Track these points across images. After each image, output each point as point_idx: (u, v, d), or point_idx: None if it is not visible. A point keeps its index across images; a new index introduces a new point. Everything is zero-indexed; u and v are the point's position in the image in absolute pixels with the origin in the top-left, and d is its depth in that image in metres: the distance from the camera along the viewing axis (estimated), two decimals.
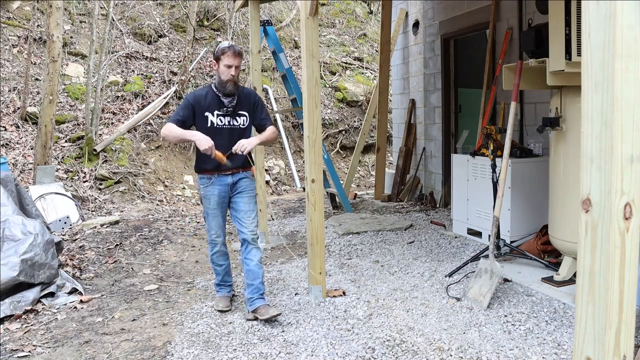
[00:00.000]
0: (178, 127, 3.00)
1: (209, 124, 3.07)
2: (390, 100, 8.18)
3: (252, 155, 3.25)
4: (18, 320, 3.25)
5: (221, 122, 3.09)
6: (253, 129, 3.32)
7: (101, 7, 9.24)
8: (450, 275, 3.76)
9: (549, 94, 4.20)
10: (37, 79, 8.26)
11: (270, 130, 3.20)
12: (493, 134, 4.05)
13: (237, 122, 3.14)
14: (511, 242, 4.14)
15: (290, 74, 6.19)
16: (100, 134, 7.91)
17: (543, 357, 2.51)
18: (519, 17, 4.87)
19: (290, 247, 4.82)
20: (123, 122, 8.19)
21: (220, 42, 10.21)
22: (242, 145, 2.99)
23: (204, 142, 2.94)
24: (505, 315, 3.02)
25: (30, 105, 7.88)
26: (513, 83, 3.58)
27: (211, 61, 3.09)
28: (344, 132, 9.79)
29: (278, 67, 6.52)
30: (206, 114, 3.08)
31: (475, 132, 5.54)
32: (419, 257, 4.32)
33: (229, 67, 3.03)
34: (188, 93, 3.02)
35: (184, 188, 7.81)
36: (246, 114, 3.17)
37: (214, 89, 3.12)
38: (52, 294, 3.56)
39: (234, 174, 3.16)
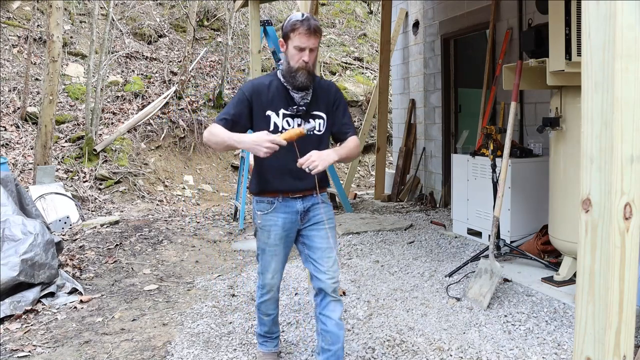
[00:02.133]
0: (225, 129, 2.14)
1: (272, 128, 2.17)
2: (390, 100, 8.18)
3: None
4: (18, 320, 3.25)
5: (289, 125, 2.18)
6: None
7: (101, 7, 9.24)
8: (450, 275, 3.76)
9: (549, 94, 4.20)
10: (37, 79, 8.26)
11: (353, 141, 2.26)
12: (493, 134, 4.05)
13: (319, 128, 2.24)
14: (511, 242, 4.14)
15: None
16: (100, 134, 7.91)
17: (543, 357, 2.51)
18: (519, 17, 4.87)
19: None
20: (123, 122, 8.19)
21: (220, 41, 10.23)
22: (313, 162, 2.00)
23: (248, 143, 2.03)
24: (505, 315, 3.02)
25: (30, 105, 7.88)
26: (513, 83, 3.58)
27: (279, 41, 2.22)
28: None
29: (278, 67, 6.51)
30: (268, 112, 2.18)
31: (475, 132, 5.54)
32: (419, 257, 4.32)
33: (301, 49, 2.10)
34: (248, 82, 2.33)
35: (184, 188, 7.81)
36: (323, 115, 2.24)
37: (281, 79, 2.21)
38: (52, 294, 3.56)
39: (304, 198, 2.26)
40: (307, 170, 2.02)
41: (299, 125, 2.19)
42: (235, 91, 9.61)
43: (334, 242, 2.27)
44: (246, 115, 2.20)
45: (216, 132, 2.14)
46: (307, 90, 2.20)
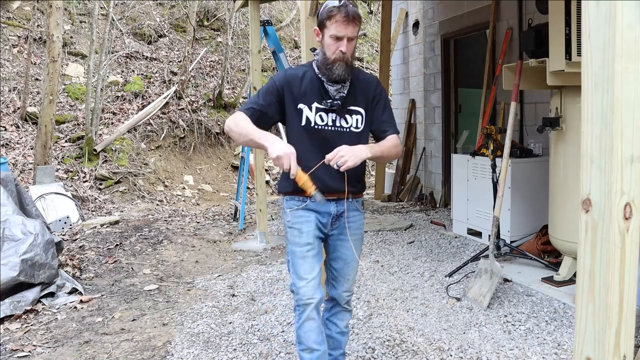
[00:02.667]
0: (250, 120, 1.93)
1: (304, 122, 1.98)
2: (391, 100, 8.19)
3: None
4: (18, 320, 3.25)
5: (322, 120, 1.98)
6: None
7: (101, 7, 9.24)
8: (450, 275, 3.76)
9: (549, 94, 4.20)
10: (37, 79, 8.26)
11: (391, 140, 2.05)
12: (493, 134, 4.05)
13: (348, 122, 2.01)
14: (511, 242, 4.15)
15: None
16: (100, 134, 7.91)
17: (543, 357, 2.51)
18: (519, 17, 4.87)
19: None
20: (123, 122, 8.19)
21: (220, 41, 10.23)
22: (342, 157, 1.82)
23: (277, 149, 1.80)
24: (505, 315, 3.02)
25: (30, 105, 7.88)
26: (513, 83, 3.58)
27: (315, 29, 2.01)
28: None
29: (278, 67, 6.51)
30: (300, 105, 1.98)
31: (475, 132, 5.54)
32: (419, 257, 4.32)
33: (338, 38, 1.92)
34: (280, 72, 2.15)
35: (184, 188, 7.82)
36: (362, 111, 2.04)
37: (316, 70, 2.02)
38: (52, 294, 3.56)
39: (339, 202, 2.03)
40: (335, 166, 1.82)
41: (332, 121, 2.00)
42: (236, 92, 9.62)
43: (358, 254, 2.10)
44: (275, 107, 1.99)
45: (242, 123, 1.90)
46: (343, 83, 2.00)
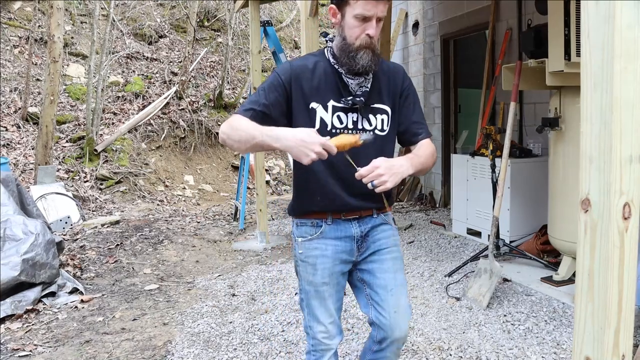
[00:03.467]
0: (251, 121, 1.54)
1: (318, 125, 1.60)
2: None
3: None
4: (19, 319, 3.25)
5: (341, 122, 1.61)
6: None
7: (102, 8, 9.25)
8: (449, 275, 3.76)
9: (548, 94, 4.20)
10: (38, 80, 8.27)
11: (428, 146, 1.69)
12: (492, 134, 4.05)
13: (371, 123, 1.64)
14: (510, 242, 4.15)
15: None
16: (101, 134, 7.92)
17: (542, 357, 2.52)
18: (519, 18, 4.87)
19: (290, 246, 4.83)
20: (124, 123, 8.20)
21: (220, 42, 10.24)
22: (380, 176, 1.44)
23: (308, 140, 1.42)
24: (505, 315, 3.02)
25: (31, 106, 7.89)
26: (512, 83, 3.58)
27: (330, 7, 1.61)
28: None
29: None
30: (313, 105, 1.60)
31: (474, 132, 5.55)
32: (419, 256, 4.32)
33: (365, 19, 1.53)
34: (285, 63, 1.70)
35: (184, 188, 7.82)
36: (388, 109, 1.66)
37: (330, 60, 1.64)
38: (53, 294, 3.57)
39: (362, 220, 1.69)
40: (370, 186, 1.45)
41: (354, 123, 1.61)
42: (236, 92, 9.62)
43: (403, 278, 1.71)
44: (281, 107, 1.59)
45: (240, 126, 1.50)
46: (366, 76, 1.61)
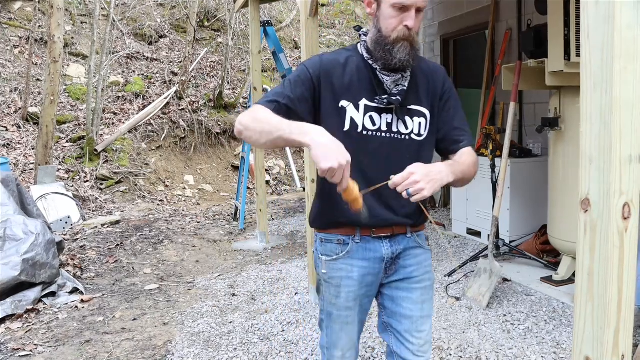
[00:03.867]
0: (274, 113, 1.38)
1: (347, 126, 1.44)
2: None
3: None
4: (19, 319, 3.26)
5: (373, 124, 1.45)
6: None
7: (102, 8, 9.26)
8: (449, 274, 3.77)
9: (548, 95, 4.21)
10: (38, 80, 8.27)
11: (470, 155, 1.52)
12: (492, 134, 4.06)
13: (408, 127, 1.47)
14: (510, 242, 4.15)
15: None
16: (101, 134, 7.92)
17: (542, 357, 2.52)
18: (518, 18, 4.87)
19: (290, 246, 4.83)
20: (124, 123, 8.20)
21: (220, 42, 10.24)
22: (416, 183, 1.29)
23: (328, 155, 1.23)
24: (505, 315, 3.02)
25: (31, 106, 7.89)
26: (512, 83, 3.59)
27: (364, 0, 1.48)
28: None
29: (278, 67, 6.52)
30: (343, 103, 1.44)
31: (474, 132, 5.55)
32: None
33: (403, 9, 1.38)
34: (313, 57, 1.53)
35: (184, 188, 7.82)
36: (426, 112, 1.50)
37: (364, 54, 1.50)
38: (53, 294, 3.57)
39: (394, 239, 1.51)
40: (405, 195, 1.28)
41: (388, 126, 1.44)
42: (236, 92, 9.62)
43: (430, 308, 1.56)
44: (308, 104, 1.43)
45: (263, 117, 1.34)
46: (404, 73, 1.45)
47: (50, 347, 2.89)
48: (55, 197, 5.75)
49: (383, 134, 1.45)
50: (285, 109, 1.40)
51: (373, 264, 1.50)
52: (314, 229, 1.59)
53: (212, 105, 9.10)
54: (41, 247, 3.58)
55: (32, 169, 6.96)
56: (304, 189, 5.56)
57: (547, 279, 3.49)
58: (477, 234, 4.68)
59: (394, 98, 1.43)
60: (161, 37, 10.16)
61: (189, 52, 9.23)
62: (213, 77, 9.75)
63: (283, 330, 2.96)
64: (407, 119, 1.47)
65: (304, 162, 7.82)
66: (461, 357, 2.56)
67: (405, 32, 1.39)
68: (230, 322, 3.12)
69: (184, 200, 7.49)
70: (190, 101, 8.94)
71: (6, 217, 3.68)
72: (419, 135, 1.48)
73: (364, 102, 1.44)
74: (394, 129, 1.46)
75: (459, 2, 5.78)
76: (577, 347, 1.12)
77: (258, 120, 1.35)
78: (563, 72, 3.20)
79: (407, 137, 1.47)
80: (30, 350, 2.84)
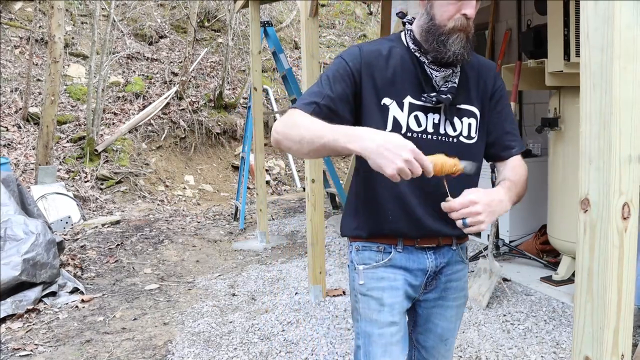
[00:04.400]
0: (314, 118, 1.21)
1: (390, 127, 1.27)
2: None
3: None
4: (20, 319, 3.26)
5: (419, 125, 1.28)
6: None
7: (102, 8, 9.26)
8: None
9: (547, 95, 4.21)
10: (38, 80, 8.27)
11: (522, 168, 1.40)
12: None
13: (457, 128, 1.31)
14: (510, 241, 4.15)
15: (290, 75, 6.19)
16: (102, 135, 7.92)
17: (542, 356, 2.52)
18: (518, 18, 4.88)
19: (290, 246, 4.83)
20: (124, 123, 8.21)
21: (220, 42, 10.25)
22: (475, 212, 1.14)
23: (395, 143, 1.09)
24: (504, 315, 3.03)
25: (32, 106, 7.89)
26: (512, 83, 3.59)
27: None
28: None
29: (278, 67, 6.53)
30: (385, 100, 1.27)
31: None
32: None
33: None
34: (350, 47, 1.34)
35: (184, 188, 7.83)
36: (477, 112, 1.34)
37: (410, 45, 1.33)
38: (53, 294, 3.58)
39: (439, 250, 1.36)
40: (459, 223, 1.15)
41: (434, 127, 1.27)
42: (236, 92, 9.62)
43: (459, 325, 1.47)
44: (349, 101, 1.26)
45: (301, 123, 1.17)
46: (454, 68, 1.28)
47: (51, 346, 2.90)
48: (56, 197, 5.76)
49: (429, 136, 1.27)
50: (327, 110, 1.22)
51: (415, 277, 1.33)
52: (347, 238, 1.41)
53: (212, 105, 9.10)
54: (42, 247, 3.58)
55: (32, 169, 6.96)
56: (304, 189, 5.57)
57: (547, 279, 3.50)
58: (477, 233, 4.69)
59: (444, 96, 1.25)
60: (161, 37, 10.16)
61: (189, 52, 9.23)
62: (213, 77, 9.75)
63: (283, 330, 2.96)
64: (456, 119, 1.30)
65: (304, 162, 7.82)
66: (461, 357, 2.56)
67: (463, 21, 1.22)
68: (231, 322, 3.13)
69: (184, 200, 7.49)
70: (190, 101, 8.95)
71: (7, 217, 3.69)
72: (468, 137, 1.31)
73: (408, 99, 1.27)
74: (441, 131, 1.28)
75: None
76: (577, 347, 1.12)
77: (296, 127, 1.17)
78: (563, 72, 3.20)
79: (456, 140, 1.30)
80: (31, 350, 2.85)
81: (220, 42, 10.37)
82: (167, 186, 7.73)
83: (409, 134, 1.27)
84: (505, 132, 1.38)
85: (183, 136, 8.53)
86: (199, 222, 6.00)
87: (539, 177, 4.18)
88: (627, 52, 1.02)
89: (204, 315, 3.27)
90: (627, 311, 1.10)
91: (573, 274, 3.43)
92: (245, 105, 9.04)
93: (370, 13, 12.70)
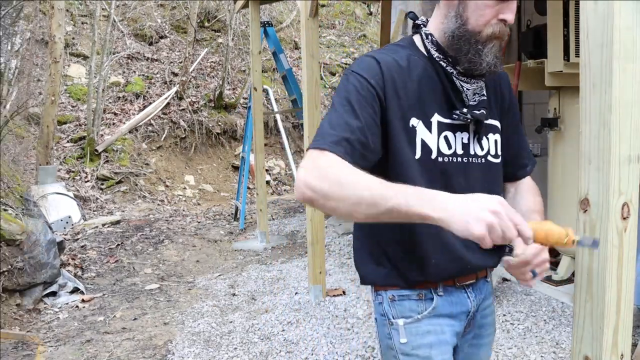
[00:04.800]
0: (350, 164, 0.94)
1: (419, 153, 1.07)
2: None
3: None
4: (20, 319, 3.26)
5: (449, 147, 1.09)
6: None
7: (103, 9, 9.26)
8: None
9: (547, 95, 4.21)
10: (38, 80, 8.28)
11: (537, 192, 1.25)
12: None
13: (483, 147, 1.14)
14: None
15: (290, 75, 6.20)
16: (102, 135, 7.92)
17: (541, 356, 2.53)
18: (518, 18, 4.88)
19: (290, 246, 4.83)
20: (124, 123, 8.21)
21: (221, 42, 10.25)
22: (545, 261, 1.05)
23: (463, 213, 0.85)
24: (504, 315, 3.03)
25: (32, 106, 7.90)
26: (512, 84, 3.59)
27: None
28: None
29: (278, 67, 6.53)
30: (412, 121, 1.06)
31: None
32: None
33: None
34: (360, 58, 1.07)
35: (184, 188, 7.83)
36: (499, 126, 1.19)
37: (432, 53, 1.10)
38: (54, 293, 3.58)
39: (476, 285, 1.18)
40: (529, 275, 1.03)
41: (464, 148, 1.10)
42: (236, 92, 9.62)
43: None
44: (378, 128, 1.03)
45: (348, 177, 0.91)
46: (483, 79, 1.12)
47: (51, 346, 2.90)
48: (56, 197, 5.76)
49: (458, 159, 1.09)
50: (359, 147, 0.97)
51: (459, 322, 1.14)
52: (371, 287, 1.17)
53: (213, 105, 9.11)
54: (42, 247, 3.58)
55: (33, 169, 6.96)
56: None
57: (547, 279, 3.50)
58: None
59: (477, 112, 1.07)
60: (161, 37, 10.16)
61: (189, 53, 9.23)
62: (213, 77, 9.75)
63: (283, 330, 2.96)
64: (484, 138, 1.13)
65: None
66: None
67: (502, 28, 1.05)
68: (231, 322, 3.13)
69: (184, 200, 7.50)
70: (190, 101, 8.95)
71: None
72: (496, 156, 1.14)
73: (436, 118, 1.07)
74: (471, 151, 1.10)
75: None
76: (577, 347, 1.12)
77: (339, 183, 0.89)
78: (562, 73, 3.20)
79: (484, 160, 1.12)
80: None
81: (221, 43, 10.37)
82: (167, 186, 7.73)
83: (440, 159, 1.07)
84: (521, 147, 1.23)
85: (183, 136, 8.53)
86: (199, 222, 6.00)
87: (539, 177, 4.17)
88: (626, 52, 1.03)
89: (204, 315, 3.27)
90: (627, 311, 1.10)
91: (573, 274, 3.43)
92: (245, 106, 9.05)
93: (370, 13, 12.70)
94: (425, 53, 1.11)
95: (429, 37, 1.10)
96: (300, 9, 3.42)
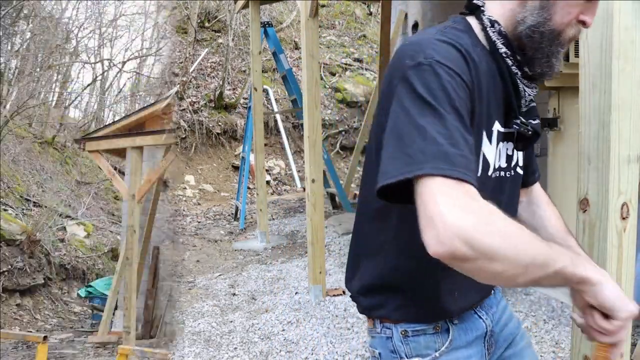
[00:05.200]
0: (488, 204, 0.70)
1: (480, 170, 0.87)
2: None
3: None
4: None
5: (507, 161, 0.96)
6: None
7: None
8: None
9: (547, 95, 4.21)
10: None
11: (545, 194, 1.13)
12: None
13: (514, 157, 0.98)
14: None
15: (290, 75, 6.20)
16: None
17: (541, 356, 2.53)
18: None
19: (290, 246, 4.83)
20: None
21: (221, 43, 10.26)
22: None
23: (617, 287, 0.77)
24: None
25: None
26: None
27: None
28: (343, 133, 9.81)
29: (278, 68, 6.53)
30: (482, 132, 0.88)
31: None
32: None
33: None
34: (432, 41, 0.78)
35: (185, 188, 7.83)
36: None
37: (498, 47, 0.88)
38: None
39: (484, 304, 1.02)
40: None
41: (508, 160, 0.97)
42: (236, 92, 9.62)
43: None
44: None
45: (512, 231, 0.71)
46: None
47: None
48: None
49: (501, 173, 0.95)
50: (477, 164, 0.85)
51: (477, 348, 1.00)
52: (377, 319, 1.02)
53: (213, 105, 9.11)
54: None
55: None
56: (304, 189, 5.57)
57: None
58: None
59: (534, 122, 0.94)
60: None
61: (189, 53, 9.24)
62: (213, 77, 9.76)
63: (283, 330, 2.97)
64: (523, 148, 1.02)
65: (304, 162, 7.82)
66: None
67: (579, 31, 0.91)
68: (231, 322, 3.13)
69: (185, 200, 7.50)
70: (190, 101, 8.95)
71: None
72: (522, 167, 1.02)
73: (497, 127, 0.90)
74: (513, 163, 0.98)
75: (459, 2, 5.78)
76: (576, 346, 1.13)
77: (509, 238, 0.70)
78: (562, 73, 3.20)
79: (514, 172, 0.99)
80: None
81: (221, 43, 10.38)
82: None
83: (493, 175, 0.92)
84: (533, 154, 1.11)
85: (183, 136, 8.53)
86: (199, 222, 6.00)
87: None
88: (626, 53, 1.03)
89: (205, 314, 3.27)
90: None
91: None
92: (245, 106, 9.05)
93: (370, 13, 12.71)
94: (487, 45, 0.89)
95: (495, 25, 0.88)
96: (300, 9, 3.42)
